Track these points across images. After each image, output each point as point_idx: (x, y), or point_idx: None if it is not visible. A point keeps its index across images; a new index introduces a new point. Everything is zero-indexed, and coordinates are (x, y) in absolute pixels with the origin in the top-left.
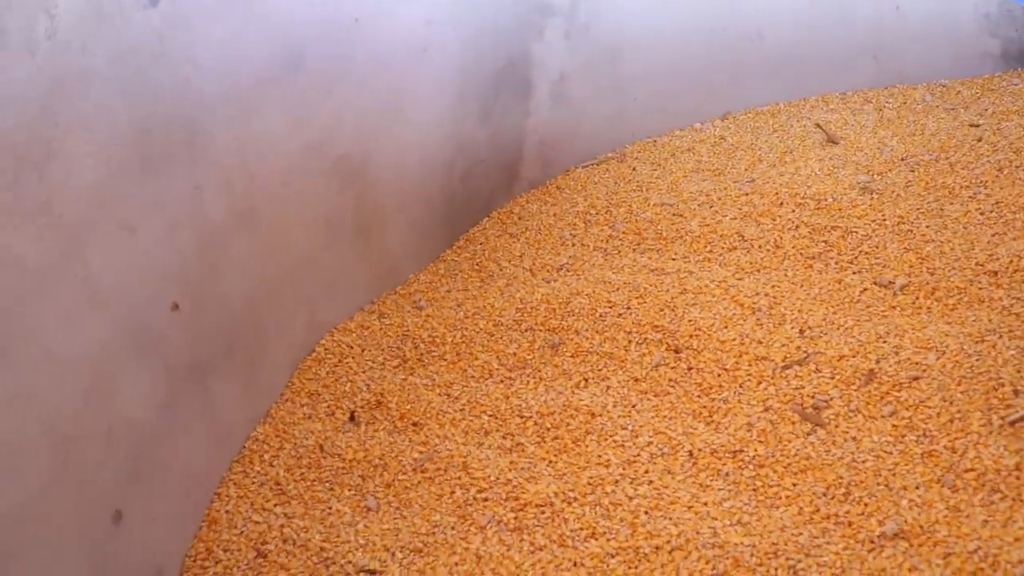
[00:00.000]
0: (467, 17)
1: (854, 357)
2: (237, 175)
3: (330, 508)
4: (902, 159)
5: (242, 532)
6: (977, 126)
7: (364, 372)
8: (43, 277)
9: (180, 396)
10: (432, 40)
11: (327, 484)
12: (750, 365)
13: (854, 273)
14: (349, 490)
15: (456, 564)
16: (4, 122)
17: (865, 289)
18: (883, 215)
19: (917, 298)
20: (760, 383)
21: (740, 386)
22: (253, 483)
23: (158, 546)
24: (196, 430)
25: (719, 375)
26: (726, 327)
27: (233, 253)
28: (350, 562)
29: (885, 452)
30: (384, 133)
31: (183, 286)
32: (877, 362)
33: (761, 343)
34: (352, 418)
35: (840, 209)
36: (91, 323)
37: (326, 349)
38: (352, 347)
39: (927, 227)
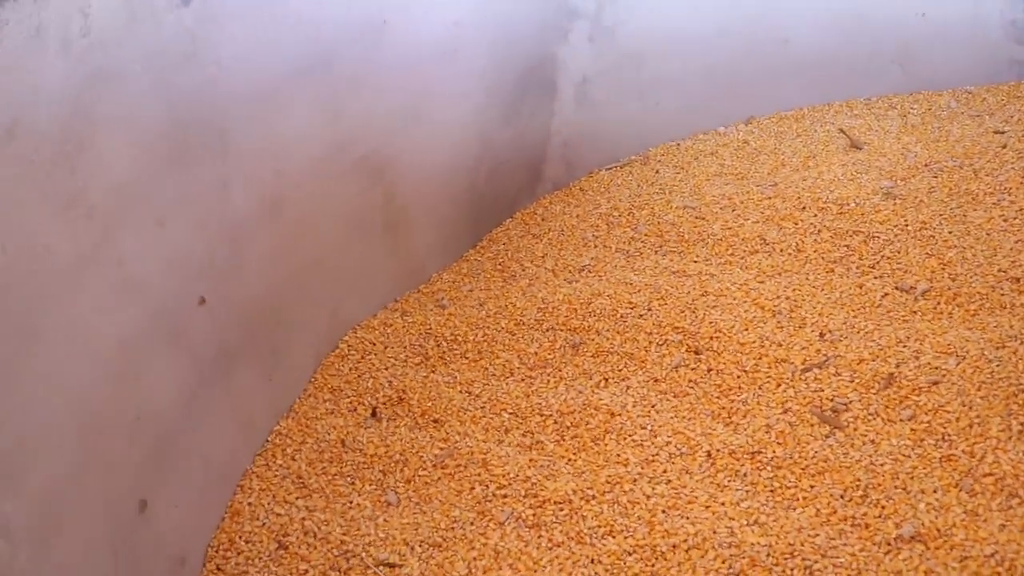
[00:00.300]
0: (493, 19)
1: (874, 361)
2: (264, 171)
3: (351, 502)
4: (925, 165)
5: (264, 524)
6: (1002, 133)
7: (386, 369)
8: (76, 267)
9: (205, 388)
10: (459, 42)
11: (348, 478)
12: (770, 367)
13: (875, 278)
14: (370, 485)
15: (474, 559)
16: (39, 117)
17: (886, 294)
18: (905, 220)
19: (938, 303)
20: (779, 385)
21: (759, 388)
22: (275, 476)
23: (182, 536)
24: (220, 422)
25: (738, 377)
26: (746, 329)
27: (259, 248)
28: (370, 555)
29: (903, 455)
30: (411, 133)
31: (210, 279)
32: (897, 366)
33: (781, 346)
34: (374, 414)
35: (862, 214)
36: (121, 313)
37: (349, 346)
38: (375, 344)
39: (949, 233)
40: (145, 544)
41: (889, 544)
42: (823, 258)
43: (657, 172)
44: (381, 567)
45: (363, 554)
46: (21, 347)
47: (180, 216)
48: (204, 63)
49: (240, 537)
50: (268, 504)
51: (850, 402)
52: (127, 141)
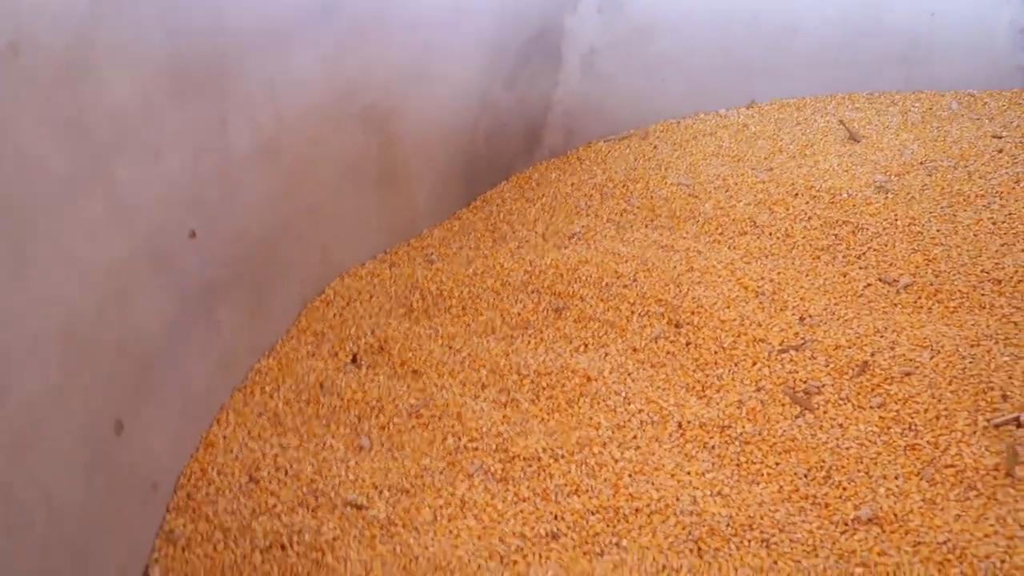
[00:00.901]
0: None
1: (850, 348)
2: (264, 112)
3: (324, 443)
4: (921, 163)
5: (237, 457)
6: (1000, 137)
7: (370, 317)
8: (70, 189)
9: (189, 319)
10: (467, 2)
11: (324, 421)
12: (747, 346)
13: (860, 268)
14: (344, 428)
15: (441, 507)
16: (44, 36)
17: (869, 284)
18: (895, 215)
19: (919, 298)
20: (755, 364)
21: (735, 365)
22: (252, 412)
23: (155, 461)
24: (201, 355)
25: (716, 352)
26: (728, 307)
27: (253, 188)
28: (339, 495)
29: (869, 441)
30: (413, 89)
31: (202, 214)
32: (872, 355)
33: (760, 326)
34: (354, 360)
35: (854, 205)
36: (112, 237)
37: (336, 292)
38: (361, 292)
39: (937, 231)
40: (119, 466)
41: (846, 524)
42: (811, 245)
43: (655, 148)
44: (349, 507)
45: (332, 493)
46: (11, 263)
47: (177, 149)
48: None
49: (212, 468)
50: (243, 439)
51: (823, 386)
52: (129, 69)
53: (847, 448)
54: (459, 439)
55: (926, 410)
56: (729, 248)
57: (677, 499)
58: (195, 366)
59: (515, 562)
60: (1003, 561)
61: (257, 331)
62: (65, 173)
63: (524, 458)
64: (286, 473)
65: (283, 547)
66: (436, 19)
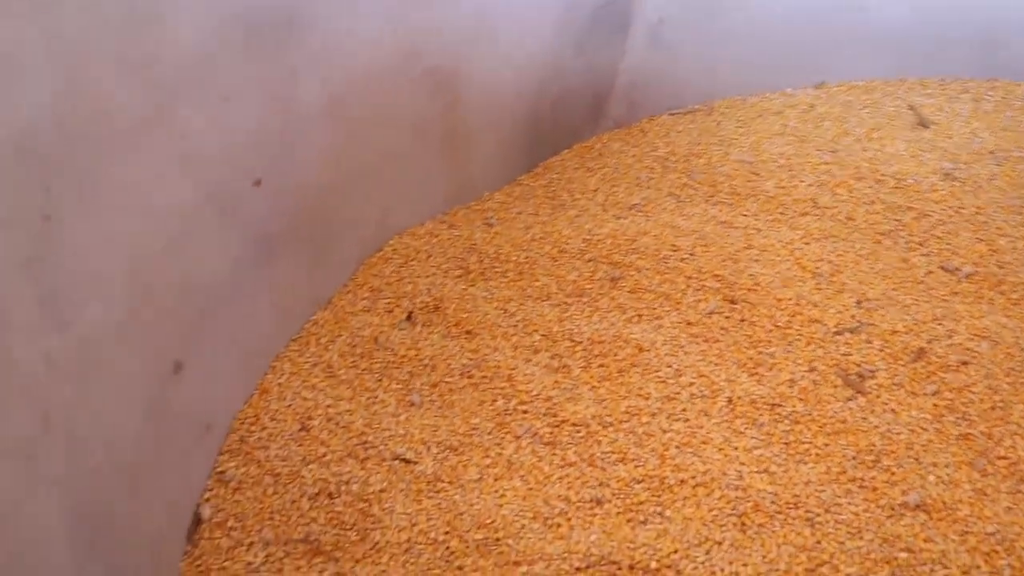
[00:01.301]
0: None
1: (907, 334)
2: (331, 67)
3: (375, 397)
4: (991, 152)
5: (290, 405)
6: None
7: (427, 276)
8: (138, 131)
9: (250, 268)
10: None
11: (376, 375)
12: (802, 326)
13: (922, 255)
14: (396, 384)
15: (487, 466)
16: None
17: (930, 272)
18: (961, 203)
19: (981, 288)
20: (809, 344)
21: (789, 344)
22: (306, 363)
23: (210, 404)
24: (260, 303)
25: (770, 331)
26: (785, 286)
27: (319, 141)
28: (388, 449)
29: (921, 428)
30: (479, 51)
31: (267, 163)
32: (928, 342)
33: (817, 306)
34: (409, 317)
35: (919, 192)
36: (179, 181)
37: (394, 249)
38: (419, 251)
39: (1004, 221)
40: (175, 405)
41: (893, 509)
42: (872, 229)
43: (719, 124)
44: (397, 460)
45: (381, 446)
46: (79, 199)
47: (245, 97)
48: None
49: (266, 414)
50: (296, 387)
51: (877, 370)
52: (201, 13)
53: (898, 434)
54: (509, 401)
55: (981, 400)
56: (789, 228)
57: (723, 473)
58: (253, 314)
59: (558, 524)
60: None
61: (315, 283)
62: (134, 115)
63: (572, 423)
64: (337, 424)
65: (331, 495)
66: None
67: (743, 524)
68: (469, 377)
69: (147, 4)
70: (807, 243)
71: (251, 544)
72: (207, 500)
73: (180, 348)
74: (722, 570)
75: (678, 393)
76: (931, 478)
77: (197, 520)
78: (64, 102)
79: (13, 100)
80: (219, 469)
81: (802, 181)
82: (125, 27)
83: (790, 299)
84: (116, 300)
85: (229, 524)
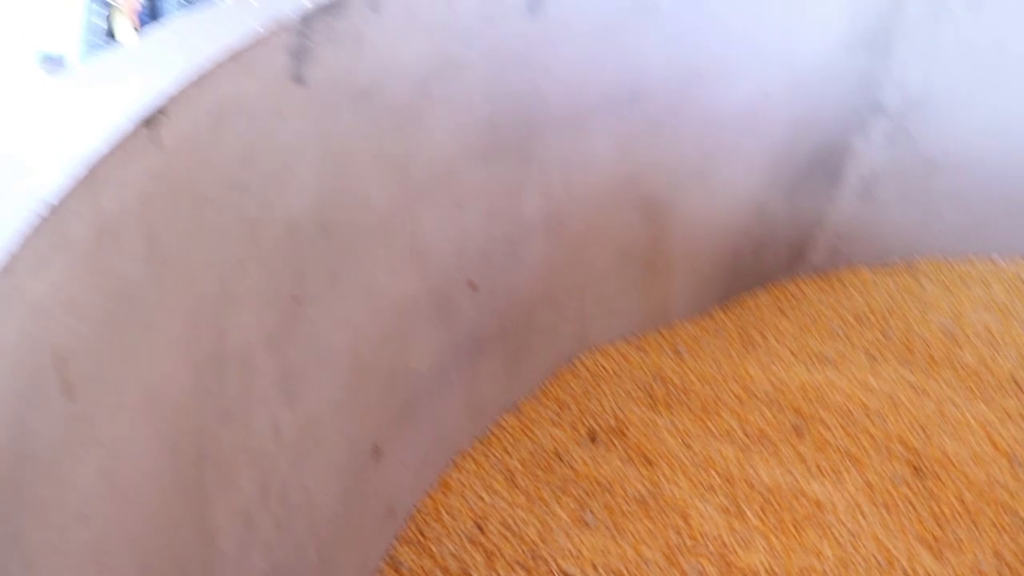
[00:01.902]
0: (800, 98)
1: None
2: (556, 184)
3: (551, 510)
4: None
5: (468, 504)
6: None
7: (613, 397)
8: (384, 226)
9: (454, 364)
10: (762, 111)
11: (553, 489)
12: (992, 510)
13: None
14: (572, 500)
15: None
16: (393, 86)
17: None
18: None
19: None
20: (998, 531)
21: (976, 527)
22: (489, 465)
23: (396, 490)
24: (456, 399)
25: (957, 509)
26: (976, 465)
27: (533, 253)
28: (557, 565)
29: None
30: (694, 184)
31: (484, 269)
32: None
33: (1009, 492)
34: (592, 437)
35: None
36: (406, 277)
37: (584, 366)
38: (608, 371)
39: None
40: (368, 486)
41: None
42: None
43: (921, 284)
44: None
45: (551, 561)
46: (326, 284)
47: (475, 205)
48: (532, 72)
49: (445, 509)
50: (476, 487)
51: None
52: (452, 125)
53: None
54: (681, 536)
55: None
56: (985, 404)
57: None
58: (449, 409)
59: None
60: None
61: (507, 388)
62: (383, 212)
63: (744, 571)
64: (511, 531)
65: None
66: (730, 120)
67: None
68: (644, 505)
69: (410, 107)
70: (1004, 423)
71: None
72: None
73: (381, 433)
74: None
75: (854, 558)
76: None
77: None
78: (327, 196)
79: (288, 192)
80: (394, 555)
81: (1004, 357)
82: (389, 128)
83: (981, 480)
84: (338, 381)
85: None
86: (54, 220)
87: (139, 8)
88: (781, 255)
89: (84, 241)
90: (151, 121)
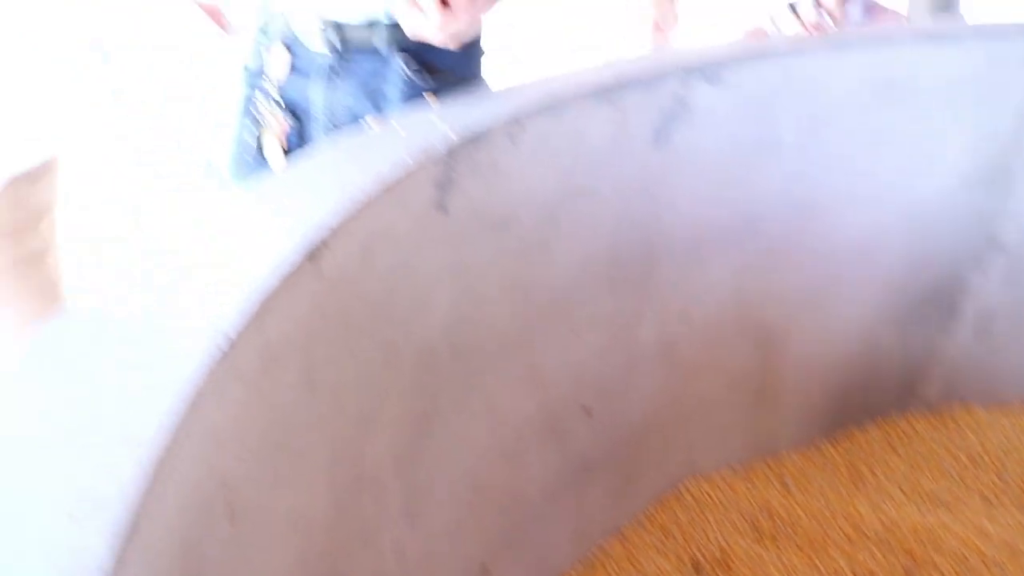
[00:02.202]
0: (917, 232)
1: None
2: (673, 311)
3: None
4: None
5: None
6: None
7: (718, 527)
8: (506, 349)
9: (563, 486)
10: (878, 243)
11: None
12: None
13: None
14: None
15: None
16: (527, 215)
17: None
18: None
19: None
20: None
21: None
22: None
23: None
24: (562, 520)
25: None
26: None
27: (647, 379)
28: None
29: None
30: (807, 315)
31: (598, 394)
32: None
33: None
34: (696, 568)
35: None
36: (524, 399)
37: (690, 493)
38: (713, 500)
39: None
40: None
41: None
42: None
43: None
44: None
45: None
46: (453, 405)
47: (594, 330)
48: (655, 201)
49: None
50: None
51: None
52: (577, 252)
53: None
54: None
55: None
56: None
57: None
58: (555, 532)
59: None
60: None
61: (613, 512)
62: (506, 336)
63: None
64: None
65: None
66: (845, 251)
67: None
68: None
69: (538, 234)
70: None
71: None
72: None
73: (490, 553)
74: None
75: None
76: None
77: None
78: (458, 321)
79: (425, 317)
80: None
81: None
82: (517, 254)
83: None
84: (457, 501)
85: None
86: (231, 352)
87: (287, 129)
88: (892, 390)
89: (253, 371)
90: (314, 254)
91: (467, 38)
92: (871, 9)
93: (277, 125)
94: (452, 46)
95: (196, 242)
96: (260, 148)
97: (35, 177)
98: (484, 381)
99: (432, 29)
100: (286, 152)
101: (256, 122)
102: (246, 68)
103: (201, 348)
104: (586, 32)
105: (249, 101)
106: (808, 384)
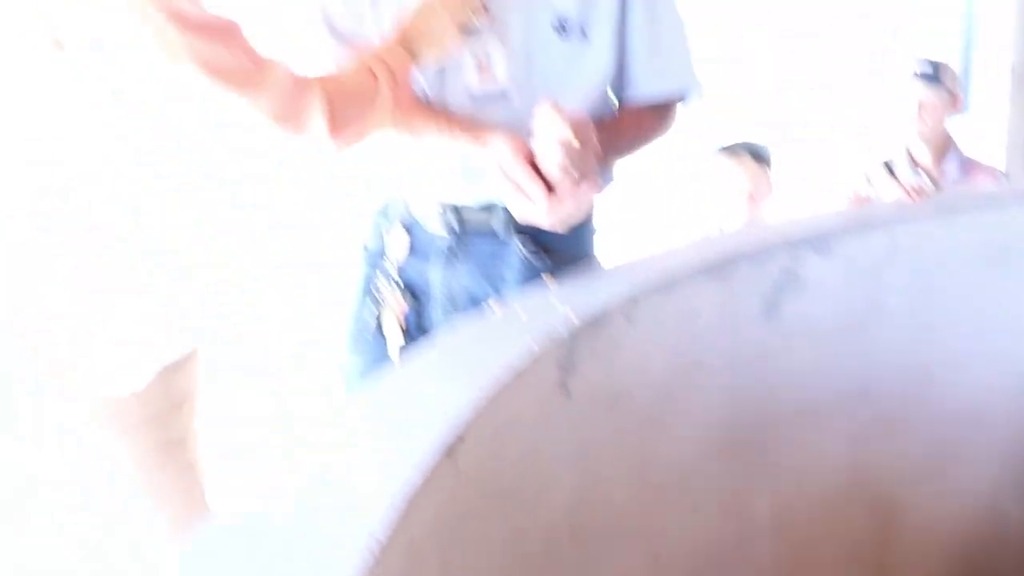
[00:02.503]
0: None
1: None
2: (787, 482)
3: None
4: None
5: None
6: None
7: None
8: (622, 527)
9: None
10: (991, 408)
11: None
12: None
13: None
14: None
15: None
16: (641, 393)
17: None
18: None
19: None
20: None
21: None
22: None
23: None
24: None
25: None
26: None
27: (760, 551)
28: None
29: None
30: (923, 485)
31: (714, 567)
32: None
33: None
34: None
35: None
36: None
37: None
38: None
39: None
40: None
41: None
42: None
43: None
44: None
45: None
46: None
47: (709, 503)
48: (767, 372)
49: None
50: None
51: None
52: (691, 426)
53: None
54: None
55: None
56: None
57: None
58: None
59: None
60: None
61: None
62: (623, 512)
63: None
64: None
65: None
66: (958, 417)
67: None
68: None
69: (653, 410)
70: None
71: None
72: None
73: None
74: None
75: None
76: None
77: None
78: (579, 502)
79: (549, 500)
80: None
81: None
82: (633, 431)
83: None
84: None
85: None
86: (381, 556)
87: (406, 309)
88: (1018, 561)
89: (398, 570)
90: (452, 448)
91: (576, 220)
92: (967, 166)
93: (396, 305)
94: (560, 229)
95: (334, 431)
96: (379, 327)
97: (180, 366)
98: (600, 562)
99: (540, 214)
100: (404, 332)
101: (376, 301)
102: (366, 248)
103: (354, 554)
104: (683, 204)
105: (369, 281)
106: (928, 556)
